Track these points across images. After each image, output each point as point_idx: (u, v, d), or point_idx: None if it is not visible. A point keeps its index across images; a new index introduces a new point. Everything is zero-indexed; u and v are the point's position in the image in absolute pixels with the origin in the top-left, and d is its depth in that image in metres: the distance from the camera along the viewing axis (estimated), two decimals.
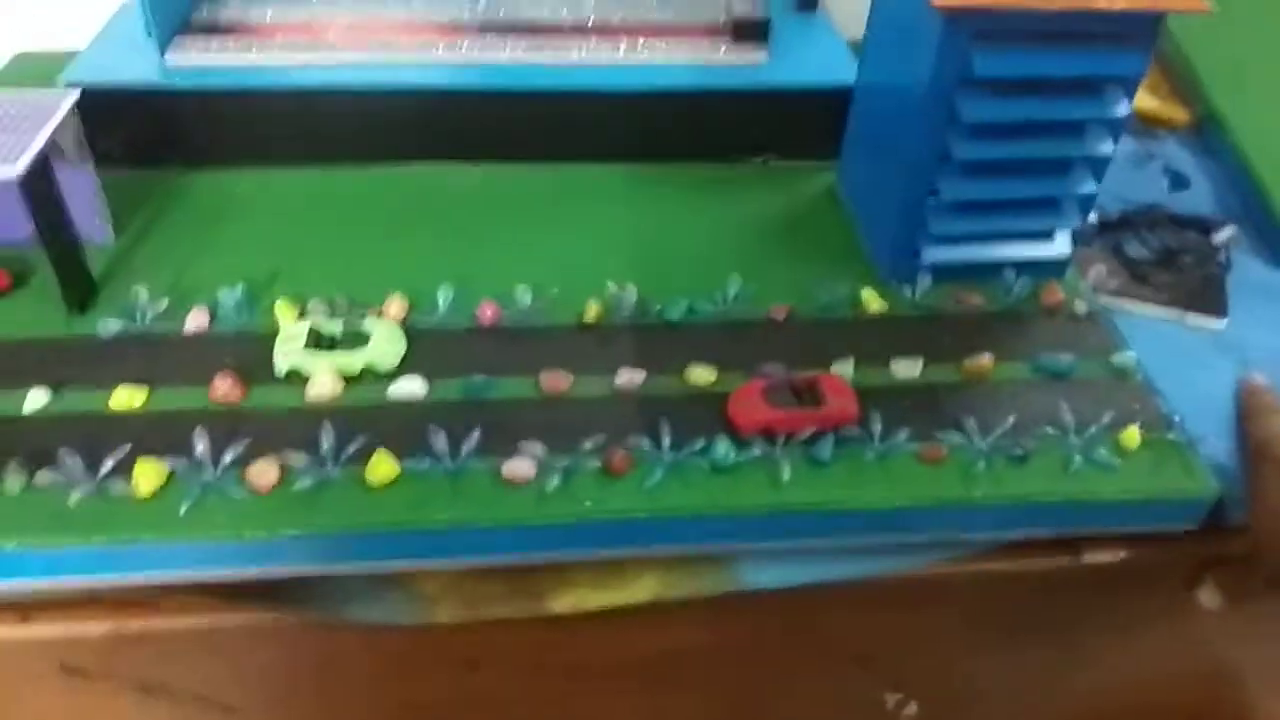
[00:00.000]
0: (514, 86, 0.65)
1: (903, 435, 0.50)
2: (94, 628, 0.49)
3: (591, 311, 0.56)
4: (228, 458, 0.47)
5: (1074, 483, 0.50)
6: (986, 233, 0.59)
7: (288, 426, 0.49)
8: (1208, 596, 0.53)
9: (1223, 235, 0.68)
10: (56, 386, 0.50)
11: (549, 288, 0.58)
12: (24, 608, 0.48)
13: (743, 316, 0.57)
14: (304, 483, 0.46)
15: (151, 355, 0.52)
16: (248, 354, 0.52)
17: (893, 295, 0.59)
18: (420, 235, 0.62)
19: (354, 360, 0.52)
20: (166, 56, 0.64)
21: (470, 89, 0.65)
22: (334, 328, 0.53)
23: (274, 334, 0.53)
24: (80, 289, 0.55)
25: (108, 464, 0.46)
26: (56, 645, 0.49)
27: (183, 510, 0.45)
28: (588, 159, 0.68)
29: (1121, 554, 0.53)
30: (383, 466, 0.47)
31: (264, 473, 0.46)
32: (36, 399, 0.49)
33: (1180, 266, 0.66)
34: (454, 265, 0.59)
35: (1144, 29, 0.51)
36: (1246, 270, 0.66)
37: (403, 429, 0.49)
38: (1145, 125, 0.81)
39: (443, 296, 0.56)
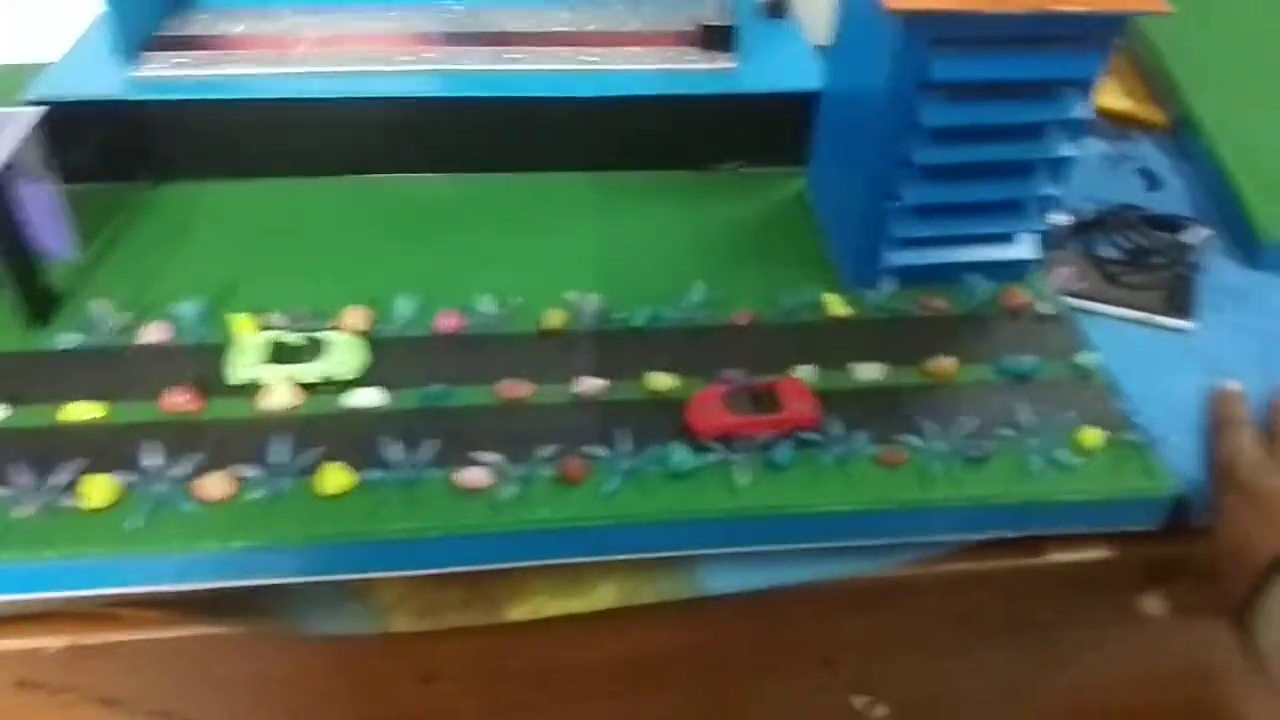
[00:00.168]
0: (482, 95, 0.66)
1: (862, 439, 0.50)
2: (51, 642, 0.48)
3: (554, 319, 0.56)
4: (180, 470, 0.47)
5: (1033, 484, 0.49)
6: (949, 236, 0.58)
7: (244, 438, 0.49)
8: (1152, 605, 0.53)
9: (1194, 236, 0.68)
10: (12, 400, 0.50)
11: (513, 296, 0.58)
12: None
13: (706, 322, 0.57)
14: (256, 494, 0.46)
15: (110, 369, 0.52)
16: (207, 366, 0.52)
17: (857, 300, 0.59)
18: (385, 246, 0.62)
19: (312, 371, 0.51)
20: (134, 70, 0.65)
21: (438, 98, 0.65)
22: (294, 339, 0.53)
23: (233, 346, 0.53)
24: (40, 304, 0.55)
25: (59, 478, 0.46)
26: (13, 659, 0.49)
27: (132, 524, 0.45)
28: (557, 167, 0.68)
29: (1086, 554, 0.53)
30: (336, 477, 0.47)
31: (216, 485, 0.46)
32: None
33: (1151, 267, 0.65)
34: (418, 275, 0.59)
35: (1101, 31, 0.51)
36: (1218, 272, 0.66)
37: (360, 439, 0.49)
38: (1121, 127, 0.81)
39: (405, 307, 0.56)
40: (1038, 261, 0.61)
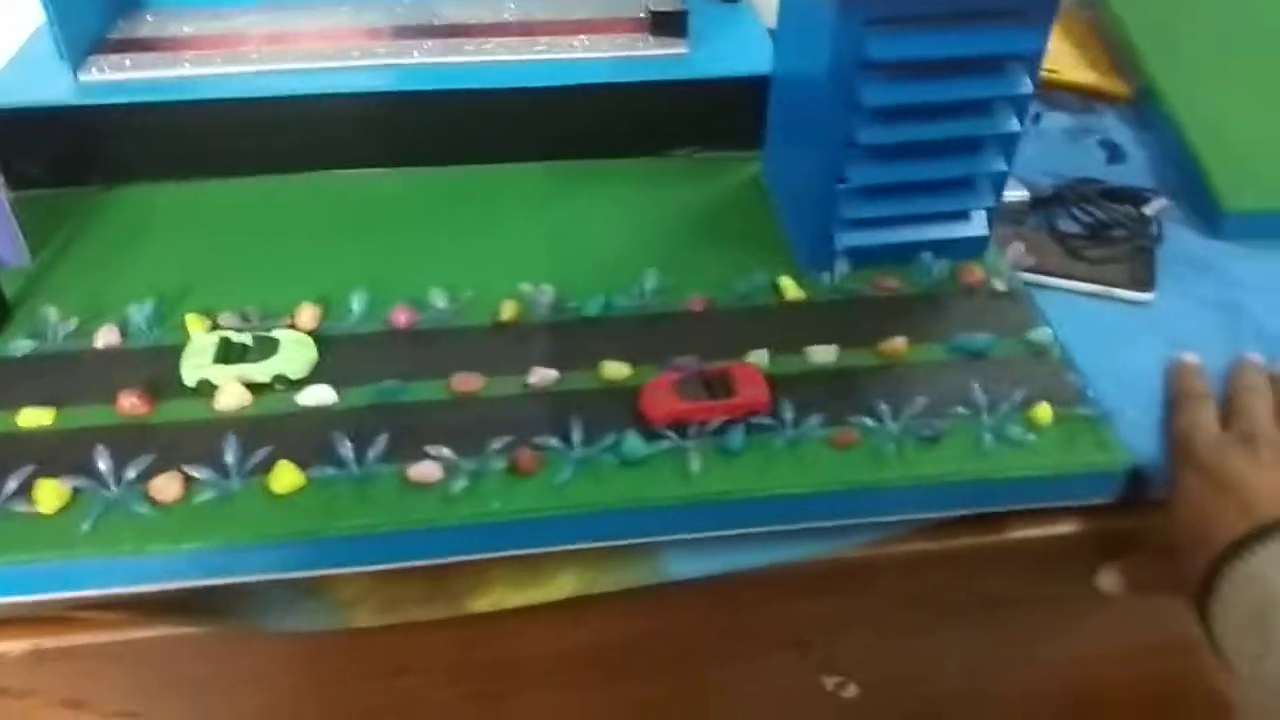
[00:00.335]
0: (433, 89, 0.65)
1: (815, 421, 0.50)
2: (13, 646, 0.48)
3: (507, 311, 0.56)
4: (131, 473, 0.47)
5: (985, 461, 0.49)
6: (900, 216, 0.58)
7: (195, 439, 0.49)
8: (1109, 581, 0.53)
9: (1154, 207, 0.68)
10: None
11: (466, 290, 0.58)
12: None
13: (660, 309, 0.57)
14: (207, 495, 0.47)
15: (61, 374, 0.52)
16: (158, 369, 0.52)
17: (811, 283, 0.59)
18: (337, 242, 0.62)
19: (262, 370, 0.51)
20: (80, 74, 0.64)
21: (389, 93, 0.65)
22: (244, 339, 0.53)
23: (184, 348, 0.53)
24: None
25: (10, 484, 0.46)
26: None
27: (84, 528, 0.45)
28: (510, 159, 0.68)
29: (1047, 529, 0.53)
30: (287, 475, 0.47)
31: (167, 487, 0.46)
32: None
33: (1112, 241, 0.65)
34: (370, 271, 0.59)
35: (1041, 6, 0.51)
36: (1179, 242, 0.66)
37: (311, 437, 0.49)
38: (1084, 99, 0.81)
39: (357, 303, 0.56)
40: (993, 238, 0.61)
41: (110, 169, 0.65)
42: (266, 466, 0.47)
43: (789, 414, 0.50)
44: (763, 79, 0.64)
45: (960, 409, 0.51)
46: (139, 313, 0.55)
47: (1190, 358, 0.55)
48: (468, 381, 0.52)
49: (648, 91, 0.67)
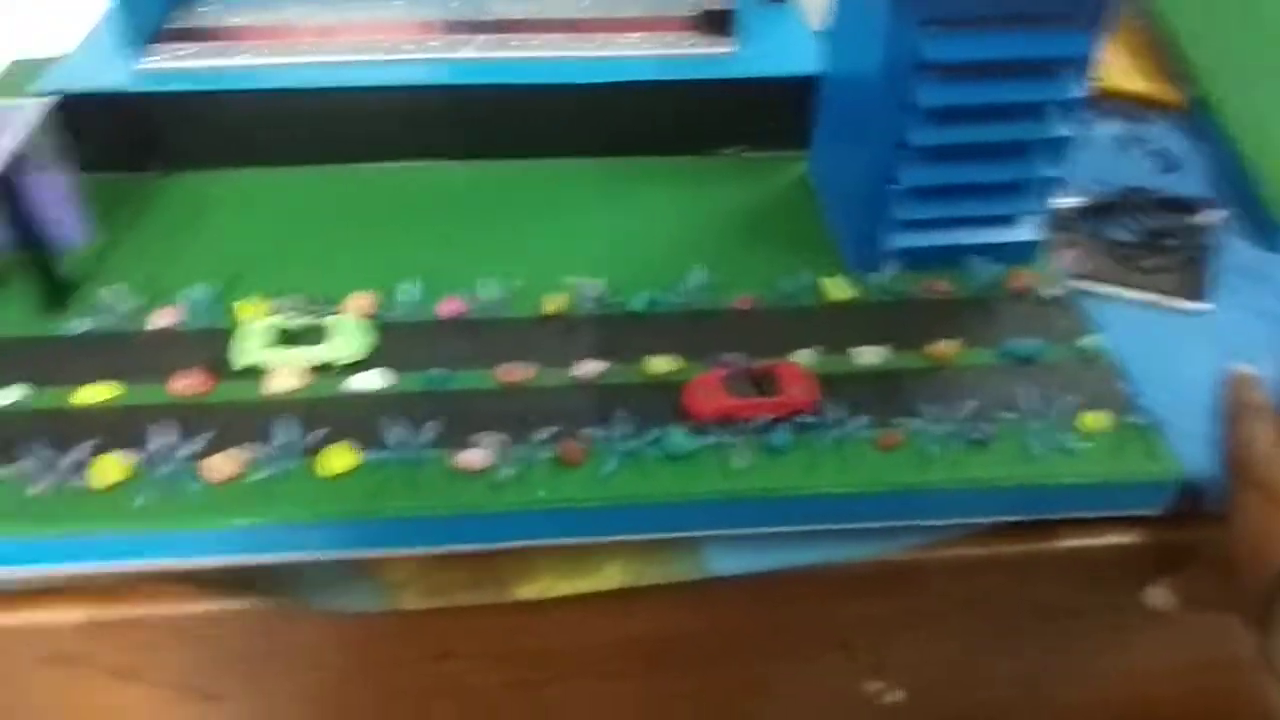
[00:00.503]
0: (484, 83, 0.66)
1: (861, 422, 0.50)
2: (70, 615, 0.50)
3: (555, 304, 0.57)
4: (187, 451, 0.48)
5: (1033, 466, 0.49)
6: (950, 218, 0.58)
7: (250, 419, 0.50)
8: (1158, 597, 0.52)
9: (1209, 218, 0.67)
10: (28, 383, 0.51)
11: (514, 281, 0.58)
12: (3, 597, 0.49)
13: (706, 307, 0.57)
14: (261, 474, 0.47)
15: (120, 353, 0.53)
16: (214, 350, 0.53)
17: (859, 283, 0.59)
18: (390, 232, 0.63)
19: (316, 354, 0.52)
20: (141, 62, 0.66)
21: (441, 86, 0.66)
22: (299, 323, 0.54)
23: (240, 330, 0.54)
24: (54, 290, 0.56)
25: (71, 457, 0.47)
26: (35, 634, 0.50)
27: (140, 501, 0.46)
28: (559, 154, 0.68)
29: (1099, 539, 0.52)
30: (339, 457, 0.48)
31: (221, 465, 0.47)
32: (7, 396, 0.51)
33: (1164, 249, 0.65)
34: (422, 261, 0.59)
35: (1091, 10, 0.51)
36: (1234, 254, 0.65)
37: (362, 421, 0.50)
38: (1136, 108, 0.80)
39: (408, 291, 0.57)
40: (1045, 244, 0.61)
41: (169, 155, 0.66)
42: (318, 448, 0.48)
43: (835, 413, 0.50)
44: (810, 79, 0.64)
45: (1009, 414, 0.51)
46: (198, 295, 0.56)
47: (1246, 369, 0.54)
48: (515, 371, 0.53)
49: (696, 90, 0.67)
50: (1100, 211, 0.67)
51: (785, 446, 0.49)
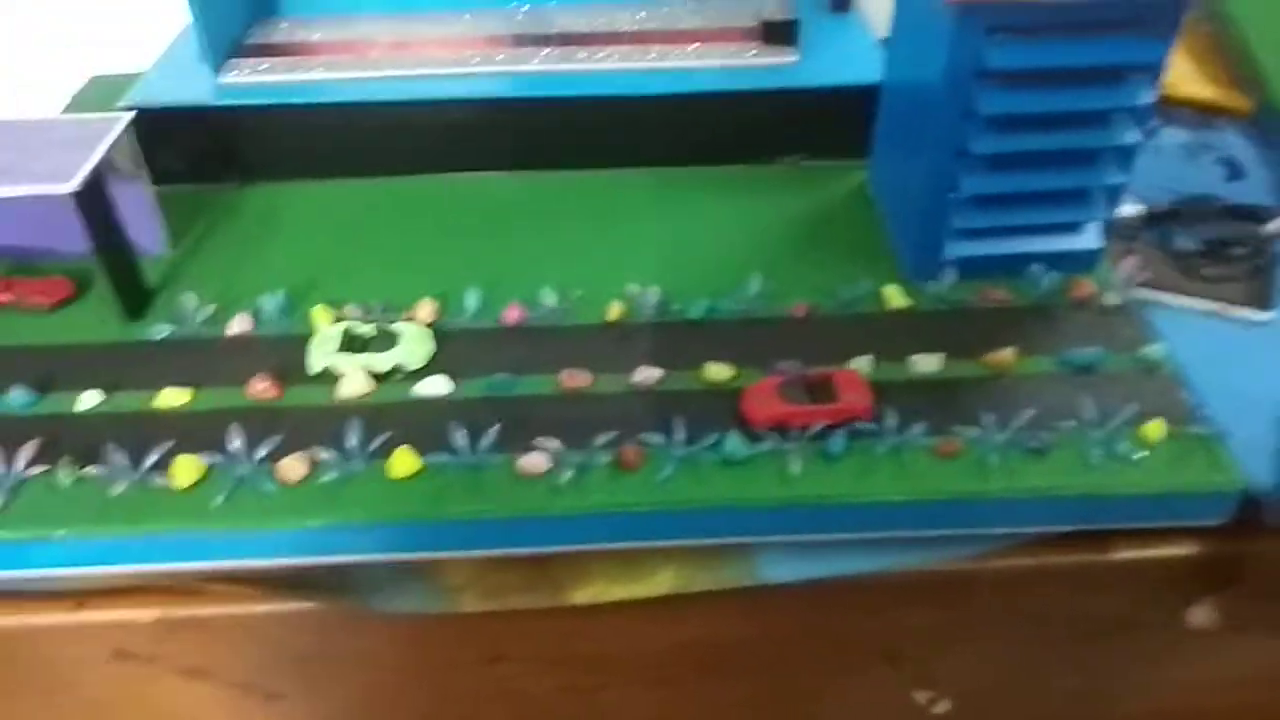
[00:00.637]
0: (548, 95, 0.67)
1: (918, 430, 0.50)
2: (143, 614, 0.52)
3: (614, 311, 0.58)
4: (261, 453, 0.50)
5: (1093, 476, 0.49)
6: (1011, 227, 0.58)
7: (319, 423, 0.52)
8: (1201, 616, 0.51)
9: (1275, 226, 0.66)
10: (108, 387, 0.54)
11: (574, 290, 0.59)
12: (78, 595, 0.51)
13: (764, 314, 0.58)
14: (330, 476, 0.49)
15: (197, 358, 0.56)
16: (286, 356, 0.55)
17: (917, 291, 0.59)
18: (455, 242, 0.64)
19: (383, 360, 0.54)
20: (220, 77, 0.68)
21: (507, 99, 0.68)
22: (367, 330, 0.56)
23: (311, 337, 0.56)
24: (134, 297, 0.58)
25: (150, 459, 0.49)
26: (109, 631, 0.52)
27: (216, 502, 0.48)
28: (621, 164, 0.69)
29: (1154, 551, 0.52)
30: (405, 461, 0.49)
31: (294, 467, 0.49)
32: (89, 399, 0.53)
33: (1230, 259, 0.64)
34: (484, 270, 0.61)
35: (1163, 14, 0.50)
36: None
37: (427, 425, 0.51)
38: (1203, 115, 0.79)
39: (472, 299, 0.58)
40: (1107, 252, 0.60)
41: (245, 167, 0.69)
42: (385, 451, 0.50)
43: (891, 421, 0.51)
44: (872, 88, 0.65)
45: (1068, 423, 0.51)
46: (270, 303, 0.58)
47: None
48: (575, 378, 0.54)
49: (757, 100, 0.67)
50: (1164, 219, 0.67)
51: (841, 453, 0.50)
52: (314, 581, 0.51)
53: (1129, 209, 0.65)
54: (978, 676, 0.60)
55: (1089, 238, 0.59)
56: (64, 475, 0.49)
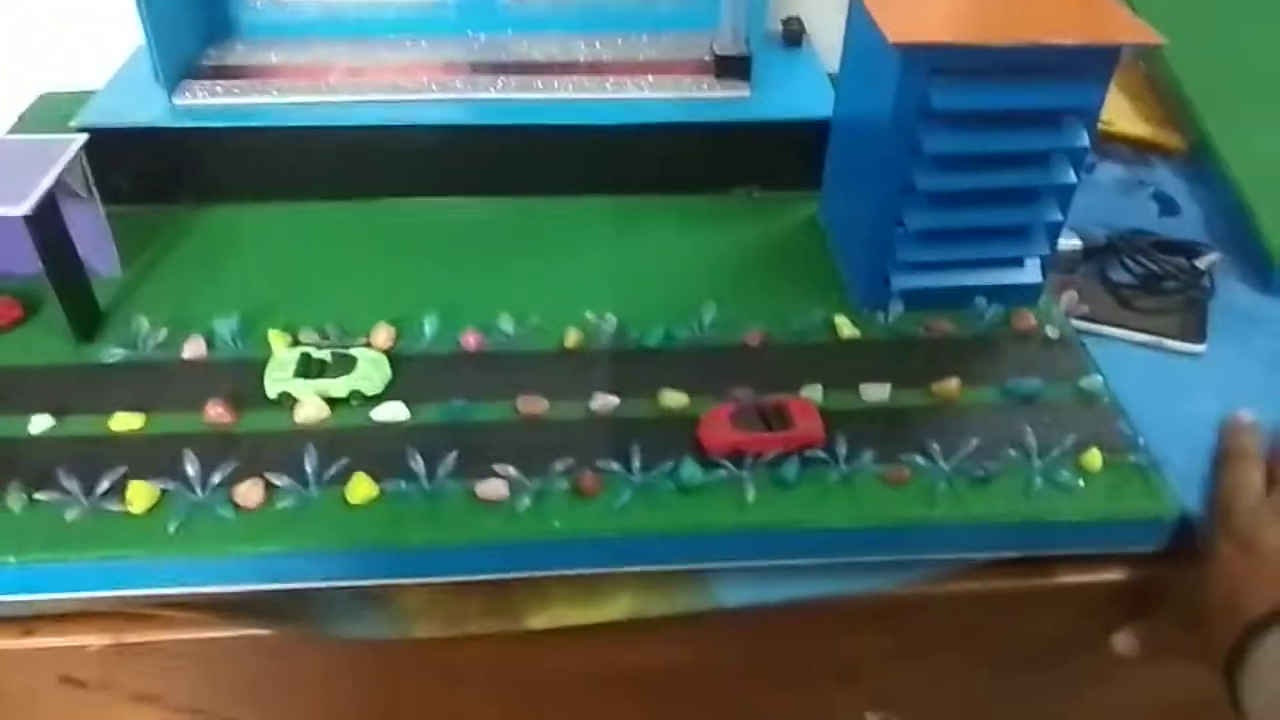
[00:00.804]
0: (505, 122, 0.68)
1: (868, 458, 0.52)
2: (93, 640, 0.51)
3: (571, 339, 0.58)
4: (216, 478, 0.49)
5: (1034, 504, 0.51)
6: (956, 261, 0.60)
7: (276, 449, 0.51)
8: (1124, 643, 0.53)
9: (1206, 260, 0.69)
10: (60, 411, 0.53)
11: (532, 316, 0.60)
12: (26, 621, 0.51)
13: (718, 342, 0.59)
14: (287, 502, 0.49)
15: (151, 381, 0.55)
16: (241, 380, 0.55)
17: (865, 322, 0.61)
18: (411, 267, 0.64)
19: (340, 386, 0.54)
20: (174, 98, 0.68)
21: (464, 126, 0.68)
22: (323, 355, 0.56)
23: (267, 361, 0.55)
24: (86, 320, 0.58)
25: (104, 484, 0.49)
26: (58, 656, 0.52)
27: (172, 528, 0.48)
28: (577, 192, 0.70)
29: (1093, 576, 0.54)
30: (362, 487, 0.49)
31: (250, 492, 0.49)
32: (41, 422, 0.52)
33: (1163, 292, 0.66)
34: (442, 295, 0.61)
35: (1098, 62, 0.53)
36: (1232, 296, 0.67)
37: (384, 451, 0.51)
38: (1138, 152, 0.82)
39: (429, 325, 0.59)
40: (1047, 285, 0.62)
41: (199, 188, 0.69)
42: (343, 477, 0.50)
43: (843, 449, 0.52)
44: (823, 122, 0.66)
45: (1011, 451, 0.52)
46: (224, 326, 0.58)
47: (1245, 414, 0.55)
48: (533, 404, 0.54)
49: (711, 131, 0.69)
50: (1101, 253, 0.69)
51: (794, 480, 0.51)
52: (269, 607, 0.51)
53: (1066, 242, 0.67)
54: (928, 697, 0.62)
55: (1030, 272, 0.61)
56: (15, 501, 0.48)
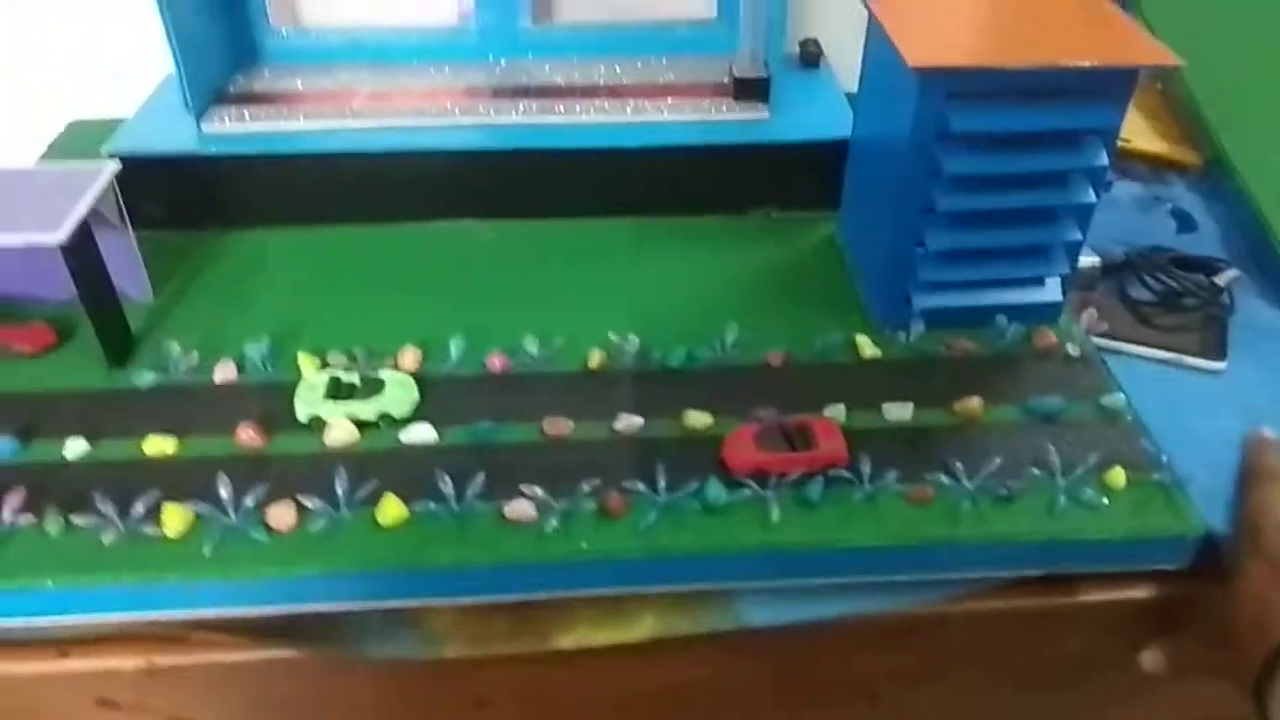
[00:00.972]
0: (527, 146, 0.69)
1: (891, 477, 0.52)
2: (128, 663, 0.52)
3: (595, 360, 0.59)
4: (249, 501, 0.50)
5: (1058, 522, 0.51)
6: (976, 280, 0.60)
7: (306, 471, 0.52)
8: (1151, 660, 0.53)
9: (1225, 277, 0.69)
10: (94, 435, 0.54)
11: (556, 338, 0.61)
12: (62, 644, 0.51)
13: (740, 363, 0.60)
14: (319, 524, 0.50)
15: (182, 405, 0.56)
16: (271, 404, 0.56)
17: (886, 341, 0.61)
18: (437, 290, 0.65)
19: (369, 408, 0.55)
20: (203, 125, 0.69)
21: (486, 150, 0.69)
22: (352, 378, 0.56)
23: (297, 385, 0.56)
24: (118, 345, 0.59)
25: (138, 507, 0.49)
26: (92, 679, 0.52)
27: (206, 551, 0.48)
28: (598, 214, 0.71)
29: (1117, 594, 0.54)
30: (392, 509, 0.50)
31: (282, 515, 0.50)
32: (76, 447, 0.53)
33: (1183, 309, 0.67)
34: (467, 318, 0.62)
35: (1116, 83, 0.53)
36: (1250, 312, 0.67)
37: (413, 473, 0.52)
38: (1155, 169, 0.82)
39: (455, 347, 0.59)
40: (1067, 304, 0.63)
41: (228, 213, 0.70)
42: (373, 499, 0.50)
43: (866, 468, 0.52)
44: (841, 143, 0.67)
45: (1034, 470, 0.53)
46: (254, 350, 0.59)
47: (1268, 431, 0.55)
48: (558, 425, 0.55)
49: (730, 153, 0.70)
50: (1120, 270, 0.69)
51: (818, 500, 0.51)
52: (299, 629, 0.51)
53: (1085, 260, 0.68)
54: (952, 715, 0.62)
55: (1050, 291, 0.62)
56: (52, 524, 0.49)
